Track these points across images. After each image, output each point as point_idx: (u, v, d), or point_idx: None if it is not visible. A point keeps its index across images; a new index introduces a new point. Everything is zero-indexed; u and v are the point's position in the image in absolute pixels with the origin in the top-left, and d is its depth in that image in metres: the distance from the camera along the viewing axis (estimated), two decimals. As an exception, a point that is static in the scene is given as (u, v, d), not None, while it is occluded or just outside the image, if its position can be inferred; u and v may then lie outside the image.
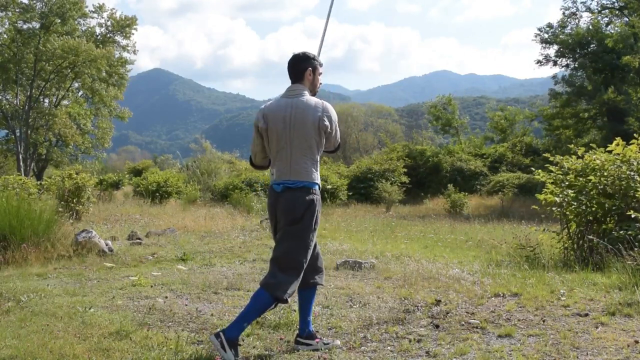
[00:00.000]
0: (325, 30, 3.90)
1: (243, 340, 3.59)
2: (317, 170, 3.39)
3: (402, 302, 4.69)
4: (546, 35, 27.77)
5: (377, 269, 6.39)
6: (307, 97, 3.38)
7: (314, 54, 3.52)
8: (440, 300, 4.65)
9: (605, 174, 6.37)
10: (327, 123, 3.33)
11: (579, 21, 27.97)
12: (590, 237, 6.23)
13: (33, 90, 30.70)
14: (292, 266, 3.28)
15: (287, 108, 3.34)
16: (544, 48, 28.07)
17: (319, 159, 3.42)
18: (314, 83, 3.46)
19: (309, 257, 3.36)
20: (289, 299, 3.32)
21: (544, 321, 3.96)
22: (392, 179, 23.20)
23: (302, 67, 3.43)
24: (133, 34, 34.73)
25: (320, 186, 3.45)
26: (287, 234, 3.31)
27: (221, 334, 3.19)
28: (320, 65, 3.52)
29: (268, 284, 3.27)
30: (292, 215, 3.29)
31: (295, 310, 4.10)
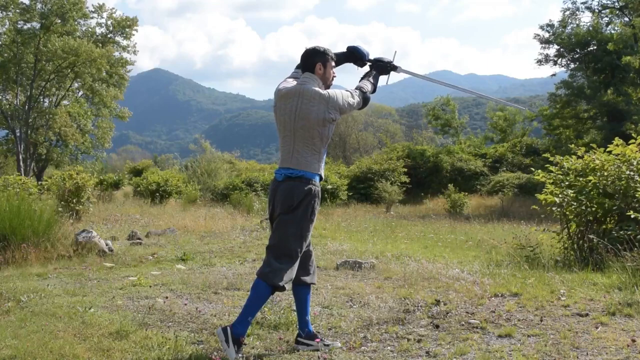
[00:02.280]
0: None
1: (244, 341, 3.59)
2: (318, 162, 3.36)
3: (402, 302, 4.69)
4: (547, 35, 27.70)
5: (377, 269, 6.39)
6: (315, 87, 3.35)
7: (325, 48, 3.48)
8: (440, 300, 4.65)
9: (605, 174, 6.37)
10: (332, 116, 3.32)
11: (579, 21, 27.93)
12: (591, 236, 6.22)
13: (33, 91, 30.69)
14: (286, 254, 3.29)
15: (294, 98, 3.34)
16: (544, 48, 28.03)
17: (323, 151, 3.38)
18: (325, 77, 3.42)
19: (303, 247, 3.35)
20: (286, 287, 3.32)
21: (543, 321, 3.96)
22: (392, 179, 23.22)
23: (311, 61, 3.43)
24: (134, 34, 34.76)
25: (323, 178, 3.43)
26: (282, 222, 3.32)
27: (229, 328, 3.19)
28: (333, 59, 3.48)
29: (263, 273, 3.28)
30: (288, 203, 3.29)
31: (295, 310, 4.10)
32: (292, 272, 3.32)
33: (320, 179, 3.40)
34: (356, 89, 3.54)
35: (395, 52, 3.78)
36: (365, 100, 3.51)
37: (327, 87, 3.43)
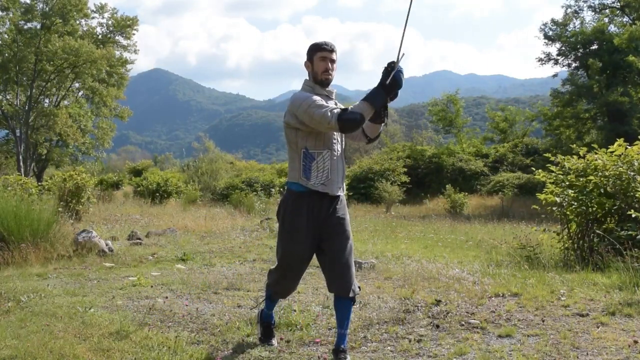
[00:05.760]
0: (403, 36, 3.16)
1: (243, 340, 3.59)
2: (293, 169, 3.21)
3: (402, 302, 4.69)
4: (550, 32, 27.61)
5: (377, 269, 6.39)
6: (299, 90, 3.27)
7: (315, 43, 3.28)
8: (440, 300, 4.65)
9: (607, 174, 6.36)
10: (286, 119, 3.18)
11: (582, 21, 27.89)
12: (596, 232, 6.22)
13: (33, 91, 30.67)
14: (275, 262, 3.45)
15: None
16: (547, 45, 27.97)
17: (295, 156, 3.19)
18: (314, 71, 3.24)
19: (279, 255, 3.31)
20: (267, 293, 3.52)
21: (543, 321, 3.96)
22: (392, 179, 23.22)
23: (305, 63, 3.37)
24: (134, 34, 34.74)
25: (294, 184, 3.21)
26: None
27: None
28: (317, 50, 3.21)
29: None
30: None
31: (295, 310, 4.11)
32: (276, 280, 3.37)
33: (293, 186, 3.21)
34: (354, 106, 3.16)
35: (403, 54, 3.02)
36: (342, 121, 2.98)
37: (319, 82, 3.21)
